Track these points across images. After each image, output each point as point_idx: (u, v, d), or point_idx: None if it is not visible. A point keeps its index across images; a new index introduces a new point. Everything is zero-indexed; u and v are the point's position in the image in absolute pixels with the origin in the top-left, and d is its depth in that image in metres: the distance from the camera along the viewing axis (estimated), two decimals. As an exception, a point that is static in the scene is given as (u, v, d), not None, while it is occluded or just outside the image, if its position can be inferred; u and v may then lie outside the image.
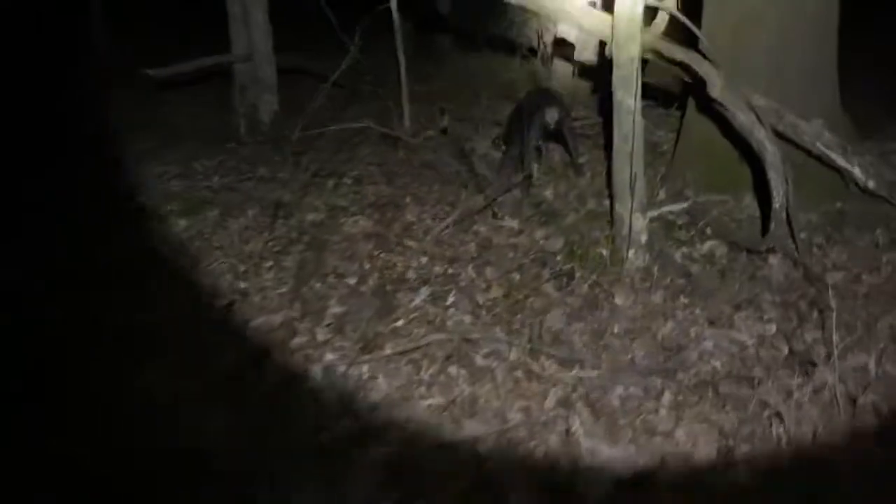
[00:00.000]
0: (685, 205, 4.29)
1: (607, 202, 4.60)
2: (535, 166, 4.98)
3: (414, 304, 3.75)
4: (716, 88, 3.59)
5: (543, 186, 4.88)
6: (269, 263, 4.16)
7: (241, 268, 4.11)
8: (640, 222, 3.80)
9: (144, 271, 4.10)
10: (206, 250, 4.30)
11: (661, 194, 4.59)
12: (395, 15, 6.20)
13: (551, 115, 4.86)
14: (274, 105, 6.85)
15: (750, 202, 4.38)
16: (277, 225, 4.56)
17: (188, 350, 3.44)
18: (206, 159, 6.04)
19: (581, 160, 5.11)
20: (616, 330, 3.46)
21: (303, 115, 6.66)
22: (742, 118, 3.59)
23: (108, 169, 5.68)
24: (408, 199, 4.93)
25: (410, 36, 6.88)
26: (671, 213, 4.33)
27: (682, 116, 4.77)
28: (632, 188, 3.74)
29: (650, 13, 3.83)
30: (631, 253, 3.83)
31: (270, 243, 4.37)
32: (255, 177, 5.50)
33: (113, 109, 7.19)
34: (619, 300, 3.66)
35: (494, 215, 4.56)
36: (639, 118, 3.69)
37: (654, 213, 4.11)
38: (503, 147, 5.30)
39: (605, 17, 3.83)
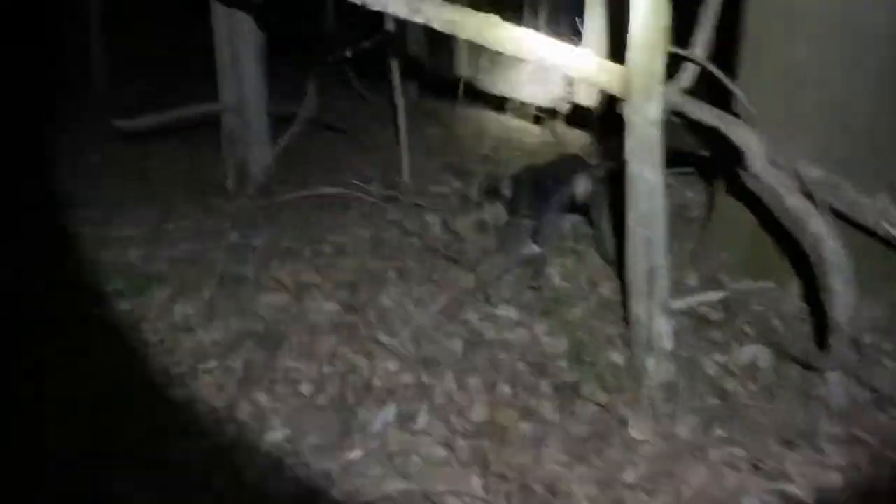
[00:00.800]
0: (720, 295, 3.43)
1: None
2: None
3: (375, 427, 2.93)
4: (758, 162, 2.77)
5: (549, 264, 4.03)
6: (211, 364, 3.36)
7: (175, 370, 3.32)
8: (662, 325, 2.96)
9: (55, 375, 3.34)
10: (139, 345, 3.52)
11: (691, 278, 3.74)
12: (396, 74, 5.53)
13: (583, 187, 4.07)
14: (266, 158, 6.10)
15: (798, 290, 3.51)
16: (231, 310, 3.78)
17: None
18: (182, 219, 5.30)
19: (602, 234, 4.19)
20: (630, 478, 2.60)
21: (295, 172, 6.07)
22: (793, 202, 2.74)
23: (61, 233, 4.96)
24: (390, 274, 4.13)
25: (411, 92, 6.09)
26: (703, 305, 3.48)
27: (714, 181, 3.94)
28: (652, 285, 2.91)
29: (673, 61, 3.03)
30: (651, 363, 2.98)
31: (218, 335, 3.59)
32: (227, 244, 4.74)
33: (91, 157, 6.54)
34: (635, 431, 2.80)
35: (488, 300, 3.74)
36: (661, 196, 2.87)
37: (681, 303, 3.26)
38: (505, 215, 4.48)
39: (618, 70, 3.03)
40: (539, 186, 4.25)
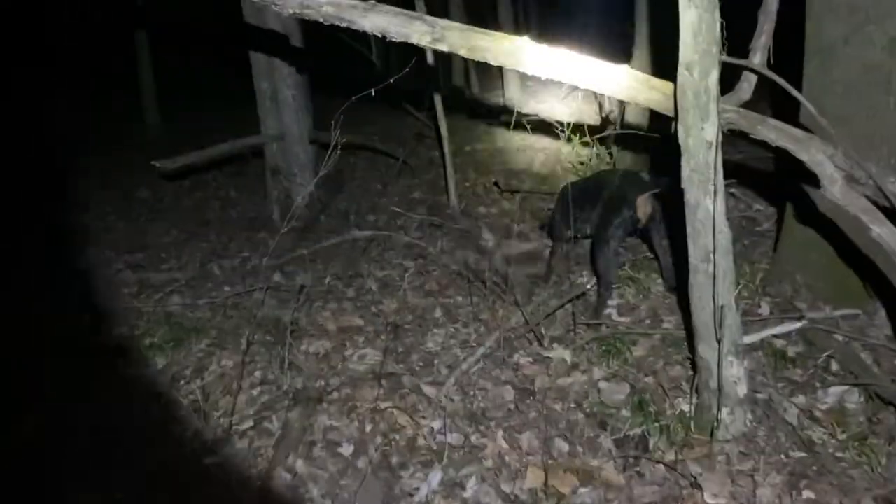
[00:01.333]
0: (797, 325, 3.04)
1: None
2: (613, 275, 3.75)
3: (420, 496, 2.65)
4: (835, 186, 2.39)
5: (606, 292, 3.68)
6: (247, 426, 3.12)
7: (209, 435, 3.09)
8: (734, 369, 2.60)
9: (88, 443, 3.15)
10: (174, 404, 3.31)
11: (763, 306, 3.36)
12: (437, 101, 5.26)
13: (643, 209, 3.59)
14: (309, 187, 5.90)
15: (888, 318, 3.10)
16: (271, 363, 3.55)
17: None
18: (227, 258, 5.14)
19: (666, 262, 3.79)
20: (706, 556, 2.27)
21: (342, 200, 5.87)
22: (880, 232, 2.34)
23: (104, 280, 4.84)
24: (436, 313, 3.86)
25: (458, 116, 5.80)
26: (779, 337, 3.10)
27: (784, 198, 3.54)
28: (720, 325, 2.56)
29: (729, 72, 2.67)
30: (724, 413, 2.63)
31: (256, 392, 3.36)
32: (269, 285, 4.54)
33: (140, 193, 6.48)
34: (710, 494, 2.45)
35: (540, 342, 3.42)
36: (724, 227, 2.53)
37: (754, 337, 2.89)
38: (551, 240, 4.14)
39: (666, 87, 2.70)
40: (592, 207, 3.79)
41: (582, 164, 5.60)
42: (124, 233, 5.89)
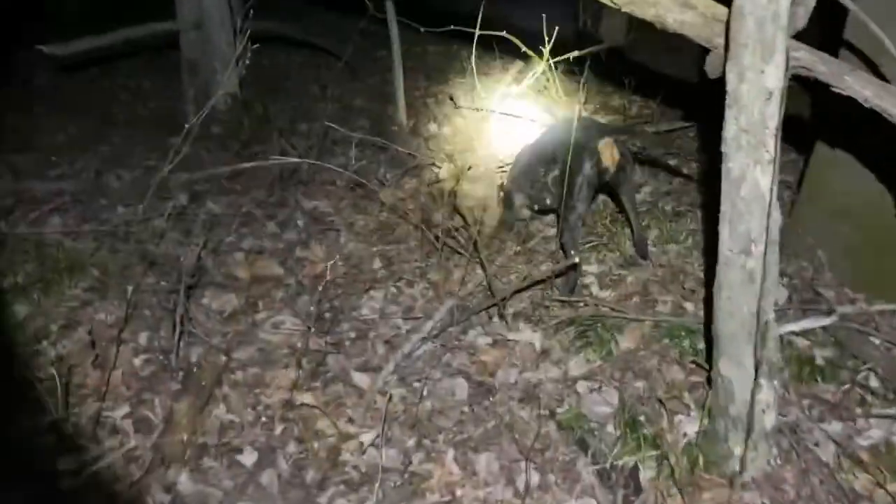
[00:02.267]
0: (826, 320, 2.36)
1: (688, 305, 2.73)
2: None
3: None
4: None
5: (579, 264, 2.94)
6: (121, 412, 2.35)
7: (68, 428, 2.30)
8: (764, 393, 1.93)
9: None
10: (27, 377, 2.49)
11: (780, 293, 2.69)
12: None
13: (609, 156, 2.78)
14: (233, 86, 4.94)
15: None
16: (161, 322, 2.75)
17: None
18: (126, 169, 4.19)
19: (645, 234, 3.07)
20: None
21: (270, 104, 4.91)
22: None
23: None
24: (375, 265, 3.10)
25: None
26: (801, 335, 2.45)
27: (809, 149, 2.84)
28: (754, 337, 1.88)
29: None
30: (749, 448, 1.98)
31: (138, 362, 2.56)
32: (173, 207, 3.68)
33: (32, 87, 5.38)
34: (726, 570, 1.82)
35: (502, 317, 2.70)
36: (776, 212, 1.81)
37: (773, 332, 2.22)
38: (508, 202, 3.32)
39: (711, 7, 1.92)
40: (547, 170, 2.96)
41: (545, 88, 4.66)
42: (10, 127, 4.85)
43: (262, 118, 4.75)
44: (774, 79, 1.74)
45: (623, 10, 2.11)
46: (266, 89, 5.07)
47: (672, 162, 3.78)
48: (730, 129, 1.80)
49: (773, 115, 1.77)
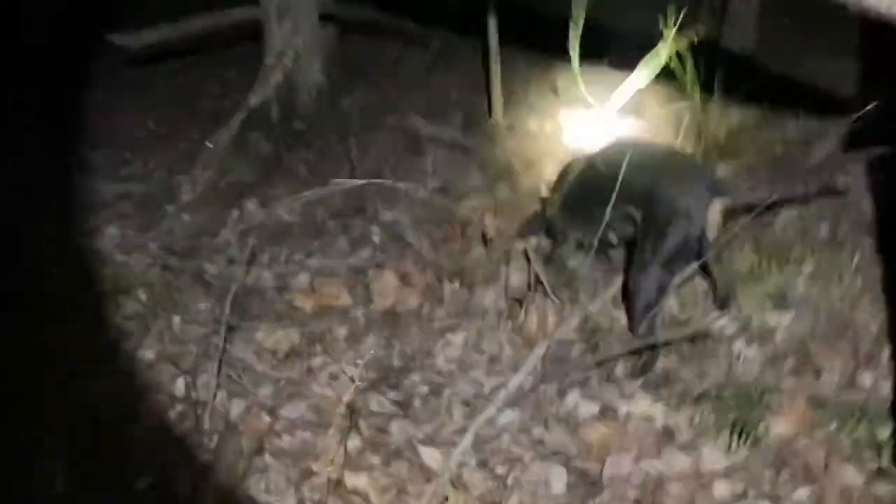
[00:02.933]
0: None
1: (866, 377, 2.04)
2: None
3: None
4: None
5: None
6: (148, 481, 1.90)
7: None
8: None
9: None
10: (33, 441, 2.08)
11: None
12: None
13: (715, 224, 2.10)
14: (319, 78, 4.48)
15: None
16: (204, 356, 2.29)
17: None
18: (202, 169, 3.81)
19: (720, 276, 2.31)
20: None
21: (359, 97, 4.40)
22: None
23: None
24: (451, 302, 2.54)
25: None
26: None
27: None
28: None
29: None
30: None
31: (174, 414, 2.10)
32: (239, 216, 3.25)
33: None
34: None
35: (609, 377, 2.08)
36: None
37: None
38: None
39: None
40: (623, 203, 2.23)
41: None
42: (89, 121, 4.52)
43: (348, 113, 4.27)
44: None
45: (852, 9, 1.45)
46: (354, 80, 4.57)
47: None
48: None
49: None
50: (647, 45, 3.15)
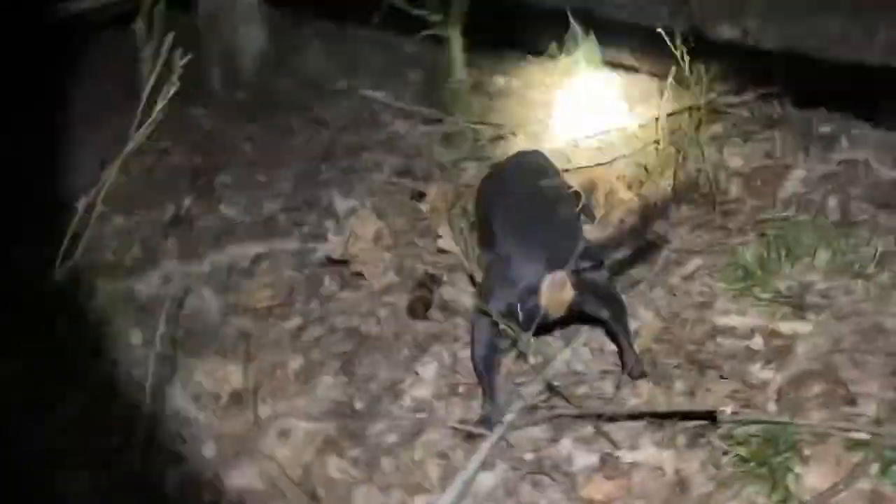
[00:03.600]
0: None
1: None
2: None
3: None
4: None
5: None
6: None
7: None
8: None
9: None
10: None
11: None
12: None
13: (552, 298, 1.77)
14: (260, 41, 4.01)
15: None
16: (137, 414, 1.94)
17: None
18: (137, 155, 3.34)
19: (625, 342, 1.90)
20: None
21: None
22: None
23: None
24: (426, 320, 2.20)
25: None
26: None
27: None
28: None
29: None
30: None
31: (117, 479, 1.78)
32: (174, 214, 2.87)
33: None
34: None
35: (612, 419, 1.74)
36: None
37: None
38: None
39: None
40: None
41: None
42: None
43: (295, 80, 3.82)
44: None
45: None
46: (299, 46, 4.08)
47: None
48: None
49: None
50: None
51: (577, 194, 2.22)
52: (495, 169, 2.44)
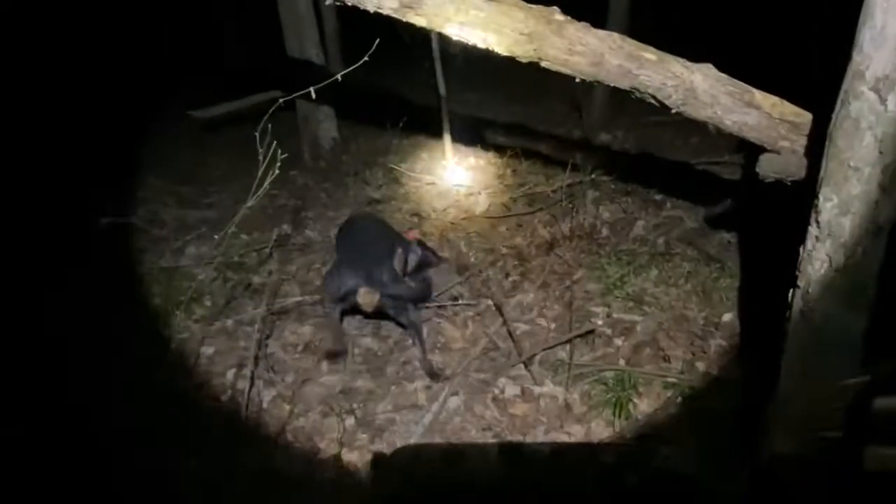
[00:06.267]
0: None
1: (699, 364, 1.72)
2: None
3: None
4: None
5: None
6: (195, 462, 1.57)
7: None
8: None
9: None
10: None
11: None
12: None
13: (367, 301, 1.74)
14: (332, 132, 3.99)
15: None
16: (245, 360, 1.92)
17: None
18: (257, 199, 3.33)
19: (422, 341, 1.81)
20: None
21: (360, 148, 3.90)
22: None
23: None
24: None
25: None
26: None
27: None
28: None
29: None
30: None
31: (226, 399, 1.75)
32: (278, 235, 2.82)
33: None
34: None
35: (527, 366, 1.76)
36: None
37: None
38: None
39: (787, 109, 0.89)
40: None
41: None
42: (181, 161, 3.96)
43: (353, 157, 3.80)
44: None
45: (675, 111, 1.10)
46: (357, 134, 4.06)
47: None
48: (813, 269, 0.81)
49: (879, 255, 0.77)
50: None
51: (419, 242, 2.14)
52: (347, 221, 2.30)
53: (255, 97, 3.53)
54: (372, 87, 3.93)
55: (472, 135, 3.60)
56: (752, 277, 1.90)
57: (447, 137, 3.37)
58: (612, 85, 1.13)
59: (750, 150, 1.16)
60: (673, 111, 1.14)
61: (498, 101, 4.13)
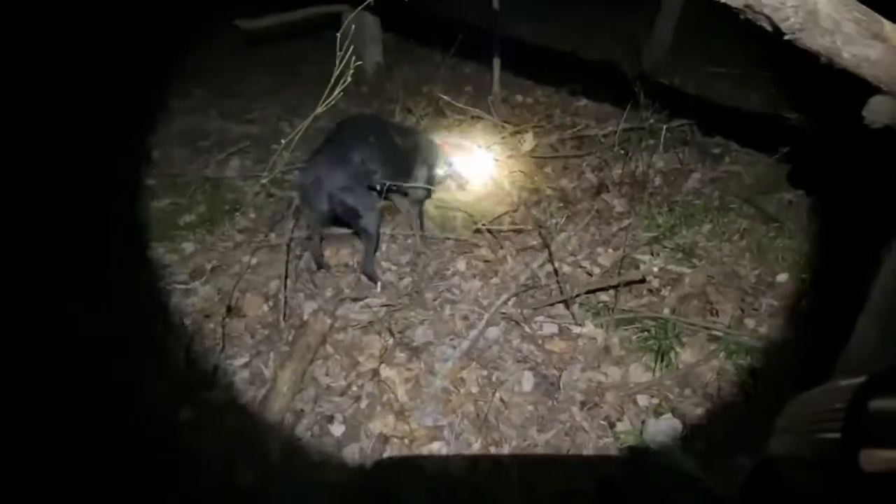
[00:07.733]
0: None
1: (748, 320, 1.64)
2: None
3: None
4: None
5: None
6: (243, 361, 1.58)
7: (191, 374, 1.56)
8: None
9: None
10: (173, 314, 1.74)
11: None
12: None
13: (332, 185, 1.65)
14: (378, 55, 3.78)
15: None
16: (288, 273, 1.90)
17: None
18: (298, 117, 3.22)
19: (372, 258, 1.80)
20: None
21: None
22: None
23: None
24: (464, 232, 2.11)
25: None
26: None
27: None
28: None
29: None
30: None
31: (268, 309, 1.75)
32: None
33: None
34: None
35: (567, 306, 1.70)
36: None
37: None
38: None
39: None
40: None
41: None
42: (223, 75, 3.83)
43: (396, 83, 3.62)
44: None
45: (787, 38, 0.95)
46: (401, 61, 3.87)
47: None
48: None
49: None
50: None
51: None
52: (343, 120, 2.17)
53: (311, 9, 3.30)
54: (421, 12, 3.69)
55: (522, 69, 3.37)
56: (814, 241, 1.77)
57: (496, 70, 3.16)
58: (722, 1, 0.98)
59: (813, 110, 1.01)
60: (785, 37, 0.98)
61: (553, 33, 3.83)
